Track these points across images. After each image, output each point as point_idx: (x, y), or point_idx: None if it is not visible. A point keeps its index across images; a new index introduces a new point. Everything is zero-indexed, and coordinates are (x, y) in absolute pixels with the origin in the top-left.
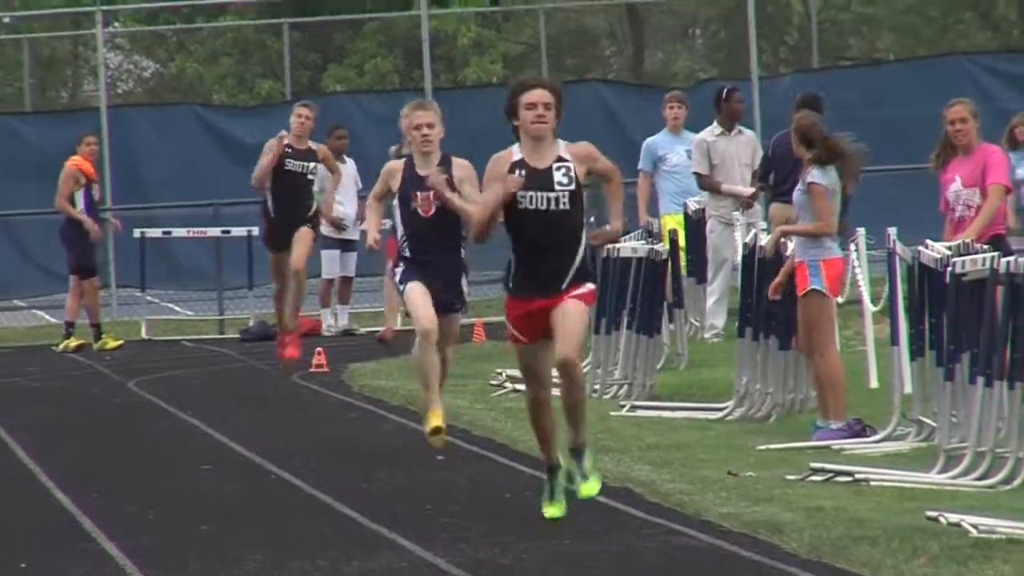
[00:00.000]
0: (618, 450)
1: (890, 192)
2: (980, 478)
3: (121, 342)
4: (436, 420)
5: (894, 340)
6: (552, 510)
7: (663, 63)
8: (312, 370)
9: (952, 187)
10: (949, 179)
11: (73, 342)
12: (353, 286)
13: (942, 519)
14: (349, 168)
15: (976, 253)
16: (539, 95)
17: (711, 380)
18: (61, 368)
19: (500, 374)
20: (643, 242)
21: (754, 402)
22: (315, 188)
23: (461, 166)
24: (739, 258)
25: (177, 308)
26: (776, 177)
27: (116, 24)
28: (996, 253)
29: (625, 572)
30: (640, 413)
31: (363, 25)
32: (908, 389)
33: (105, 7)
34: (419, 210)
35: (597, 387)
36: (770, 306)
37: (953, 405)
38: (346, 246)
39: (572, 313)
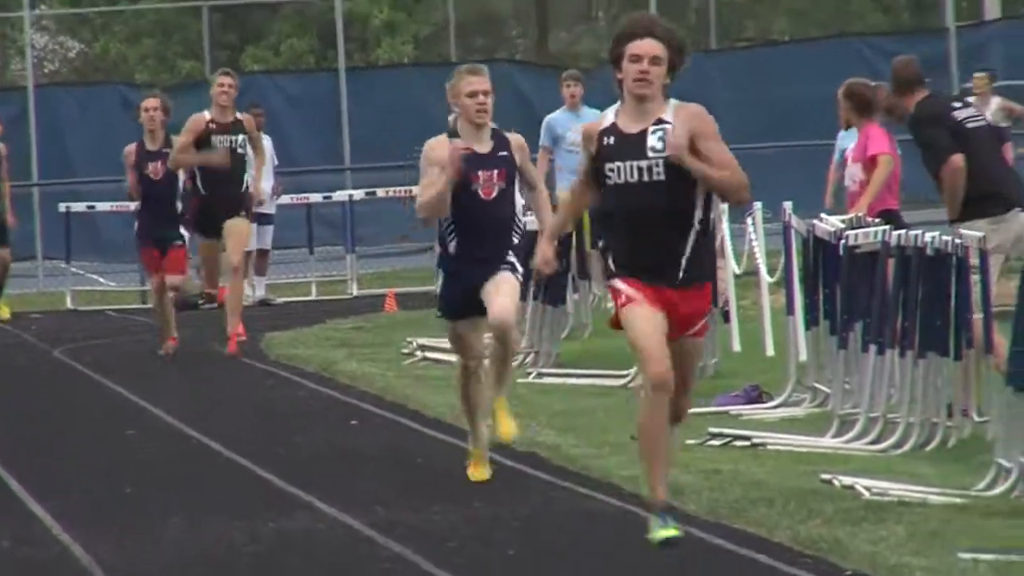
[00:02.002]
0: (525, 416)
1: (785, 168)
2: (872, 442)
3: (8, 316)
4: (507, 426)
5: (790, 310)
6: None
7: (568, 43)
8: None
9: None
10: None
11: None
12: (270, 258)
13: (836, 482)
14: (267, 144)
15: (867, 227)
16: (645, 46)
17: (614, 348)
18: None
19: (411, 343)
20: None
21: None
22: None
23: (518, 144)
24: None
25: (101, 279)
26: None
27: (42, 6)
28: (888, 226)
29: (533, 534)
30: (546, 380)
31: (280, 7)
32: (803, 357)
33: None
34: (480, 192)
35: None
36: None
37: (846, 372)
38: (263, 219)
39: (689, 357)
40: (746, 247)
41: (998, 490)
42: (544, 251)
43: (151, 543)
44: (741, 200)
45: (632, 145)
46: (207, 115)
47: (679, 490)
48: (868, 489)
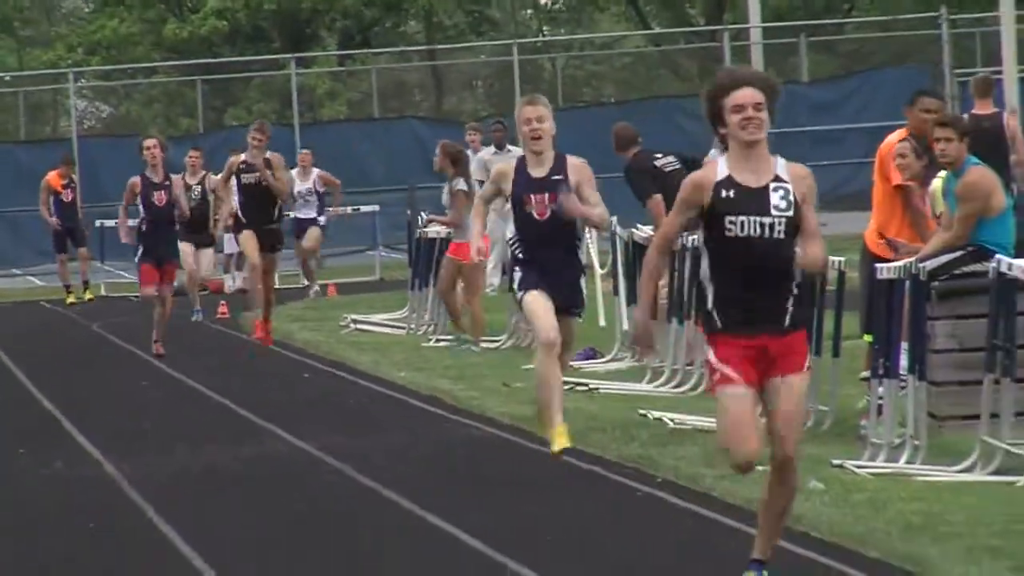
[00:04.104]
0: (427, 369)
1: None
2: (675, 387)
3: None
4: (562, 441)
5: (616, 292)
6: None
7: (456, 104)
8: (217, 316)
9: None
10: None
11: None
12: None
13: (649, 415)
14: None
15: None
16: (747, 95)
17: (491, 320)
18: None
19: (346, 318)
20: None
21: (521, 336)
22: (234, 200)
23: (576, 167)
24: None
25: (125, 274)
26: None
27: (83, 79)
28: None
29: (437, 455)
30: (442, 344)
31: (251, 80)
32: (626, 327)
33: (75, 69)
34: (534, 213)
35: (413, 326)
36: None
37: (657, 338)
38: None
39: (796, 392)
40: (583, 247)
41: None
42: (646, 328)
43: (162, 462)
44: (821, 270)
45: (755, 200)
46: (242, 156)
47: (534, 422)
48: (672, 420)
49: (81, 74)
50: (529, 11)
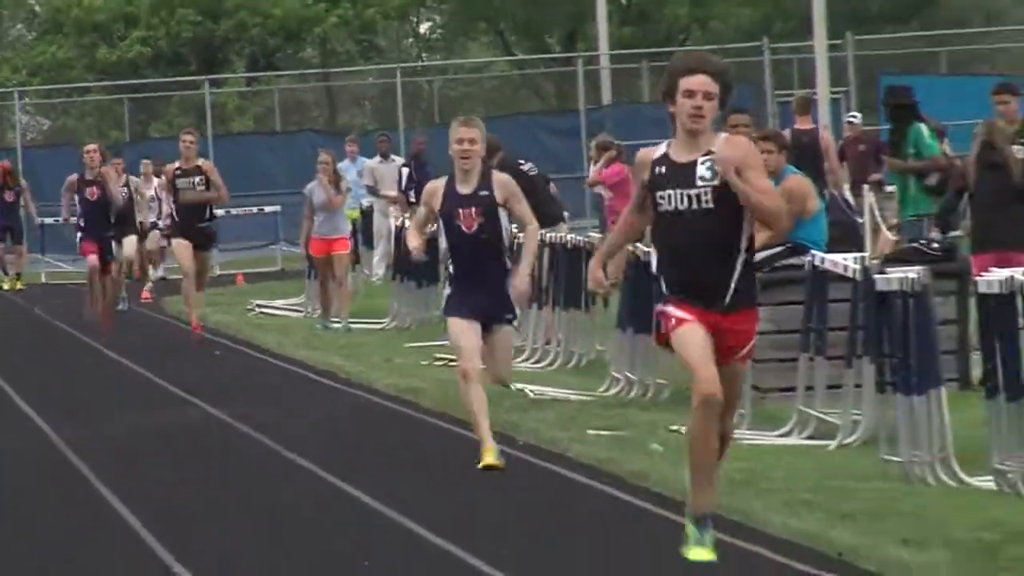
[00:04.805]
0: (322, 348)
1: None
2: (536, 363)
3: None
4: (490, 458)
5: None
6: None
7: (348, 120)
8: (142, 301)
9: None
10: None
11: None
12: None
13: (512, 387)
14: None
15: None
16: (700, 82)
17: (378, 306)
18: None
19: (252, 303)
20: None
21: (403, 319)
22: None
23: (502, 183)
24: (391, 237)
25: (62, 265)
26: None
27: (26, 98)
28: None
29: (330, 419)
30: (334, 327)
31: (171, 98)
32: None
33: (19, 88)
34: (462, 226)
35: (309, 310)
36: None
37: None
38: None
39: (735, 380)
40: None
41: (612, 391)
42: (594, 272)
43: (100, 427)
44: (781, 228)
45: (683, 174)
46: (176, 164)
47: (418, 391)
48: (532, 391)
49: (25, 93)
50: (410, 39)
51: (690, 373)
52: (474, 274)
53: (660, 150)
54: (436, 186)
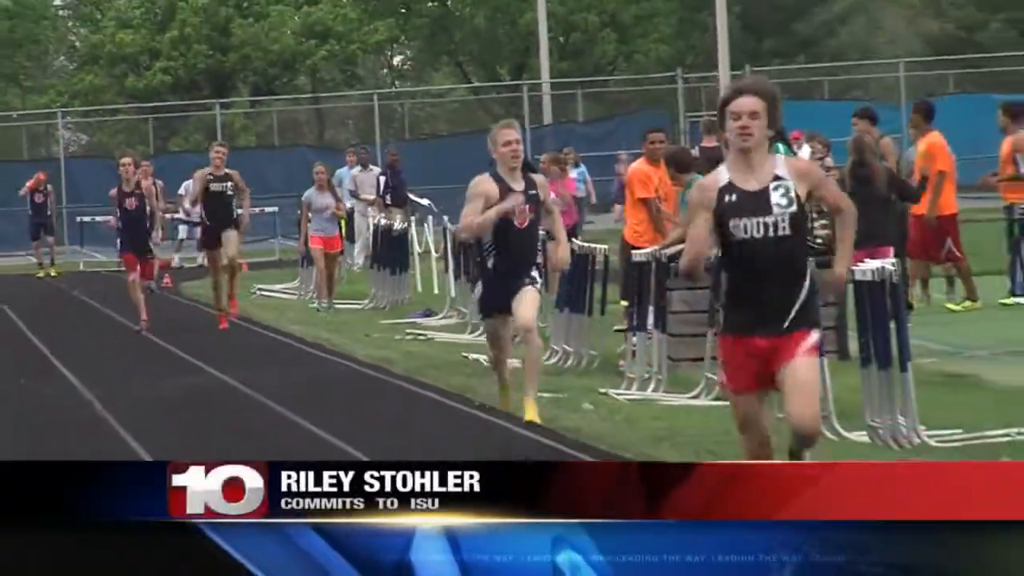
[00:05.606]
0: (312, 324)
1: (455, 196)
2: (470, 333)
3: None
4: (531, 415)
5: (446, 269)
6: None
7: (334, 136)
8: (163, 286)
9: None
10: None
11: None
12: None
13: (469, 356)
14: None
15: None
16: (744, 104)
17: (358, 290)
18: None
19: (255, 286)
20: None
21: (379, 301)
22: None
23: (541, 183)
24: (369, 233)
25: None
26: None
27: (68, 118)
28: None
29: (318, 382)
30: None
31: (188, 118)
32: (453, 294)
33: (62, 109)
34: (515, 222)
35: (302, 293)
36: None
37: (464, 301)
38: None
39: (803, 372)
40: (423, 237)
41: (551, 361)
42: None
43: (120, 387)
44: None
45: (756, 202)
46: (207, 170)
47: (392, 361)
48: (481, 360)
49: (67, 113)
50: (385, 69)
51: (742, 438)
52: (514, 267)
53: (723, 177)
54: (486, 183)
